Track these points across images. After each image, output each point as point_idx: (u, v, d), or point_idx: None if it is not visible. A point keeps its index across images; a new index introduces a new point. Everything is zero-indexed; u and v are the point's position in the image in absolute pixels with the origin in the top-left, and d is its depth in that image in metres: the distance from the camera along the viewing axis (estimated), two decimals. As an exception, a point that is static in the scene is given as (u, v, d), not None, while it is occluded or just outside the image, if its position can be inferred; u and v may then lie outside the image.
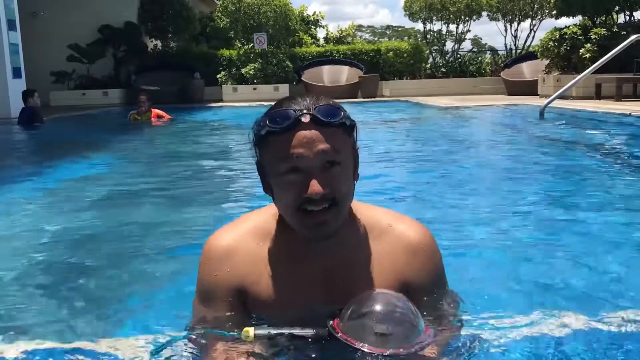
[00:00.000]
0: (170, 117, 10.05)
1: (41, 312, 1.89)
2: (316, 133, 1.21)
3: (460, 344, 1.34)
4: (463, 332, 1.42)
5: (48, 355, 1.48)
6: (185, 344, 1.43)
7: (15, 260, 2.48)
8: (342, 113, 1.26)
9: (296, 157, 1.20)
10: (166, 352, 1.44)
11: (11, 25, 11.78)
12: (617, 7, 13.23)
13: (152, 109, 9.79)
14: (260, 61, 16.97)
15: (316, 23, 22.49)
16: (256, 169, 1.35)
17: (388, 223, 1.39)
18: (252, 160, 1.36)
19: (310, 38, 20.89)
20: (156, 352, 1.45)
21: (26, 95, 9.72)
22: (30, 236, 2.88)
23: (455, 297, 1.47)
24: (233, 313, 1.36)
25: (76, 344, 1.53)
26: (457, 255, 2.25)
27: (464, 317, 1.47)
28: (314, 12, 22.59)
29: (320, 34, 22.85)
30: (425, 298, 1.38)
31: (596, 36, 12.30)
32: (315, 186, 1.20)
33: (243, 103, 15.16)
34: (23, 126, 9.40)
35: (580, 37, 12.64)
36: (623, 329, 1.57)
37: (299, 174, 1.21)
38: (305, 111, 1.22)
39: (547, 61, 13.87)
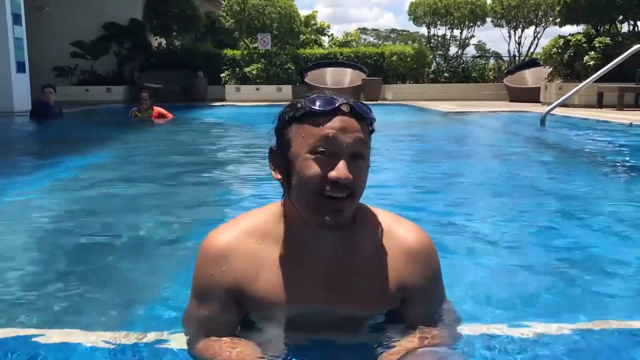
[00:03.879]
0: (172, 116, 10.03)
1: (38, 302, 1.91)
2: (354, 122, 1.28)
3: (455, 350, 1.35)
4: (457, 337, 1.43)
5: (42, 349, 1.50)
6: (179, 342, 1.44)
7: (15, 254, 2.50)
8: (372, 112, 1.33)
9: (331, 138, 1.24)
10: (158, 350, 1.45)
11: (17, 20, 11.78)
12: (621, 17, 13.25)
13: (154, 107, 9.78)
14: (264, 61, 17.01)
15: (322, 31, 22.73)
16: (268, 156, 1.36)
17: (388, 225, 1.40)
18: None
19: (316, 45, 21.06)
20: (148, 348, 1.47)
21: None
22: (29, 233, 2.90)
23: (450, 303, 1.48)
24: (227, 313, 1.36)
25: (68, 339, 1.54)
26: (452, 260, 2.27)
27: (459, 324, 1.48)
28: (320, 21, 22.93)
29: (325, 39, 23.20)
30: (421, 303, 1.38)
31: (600, 44, 12.31)
32: (343, 169, 1.23)
33: (246, 103, 15.20)
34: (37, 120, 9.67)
35: (584, 45, 12.64)
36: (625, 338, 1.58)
37: (329, 157, 1.25)
38: (345, 101, 1.29)
39: (550, 69, 13.90)
